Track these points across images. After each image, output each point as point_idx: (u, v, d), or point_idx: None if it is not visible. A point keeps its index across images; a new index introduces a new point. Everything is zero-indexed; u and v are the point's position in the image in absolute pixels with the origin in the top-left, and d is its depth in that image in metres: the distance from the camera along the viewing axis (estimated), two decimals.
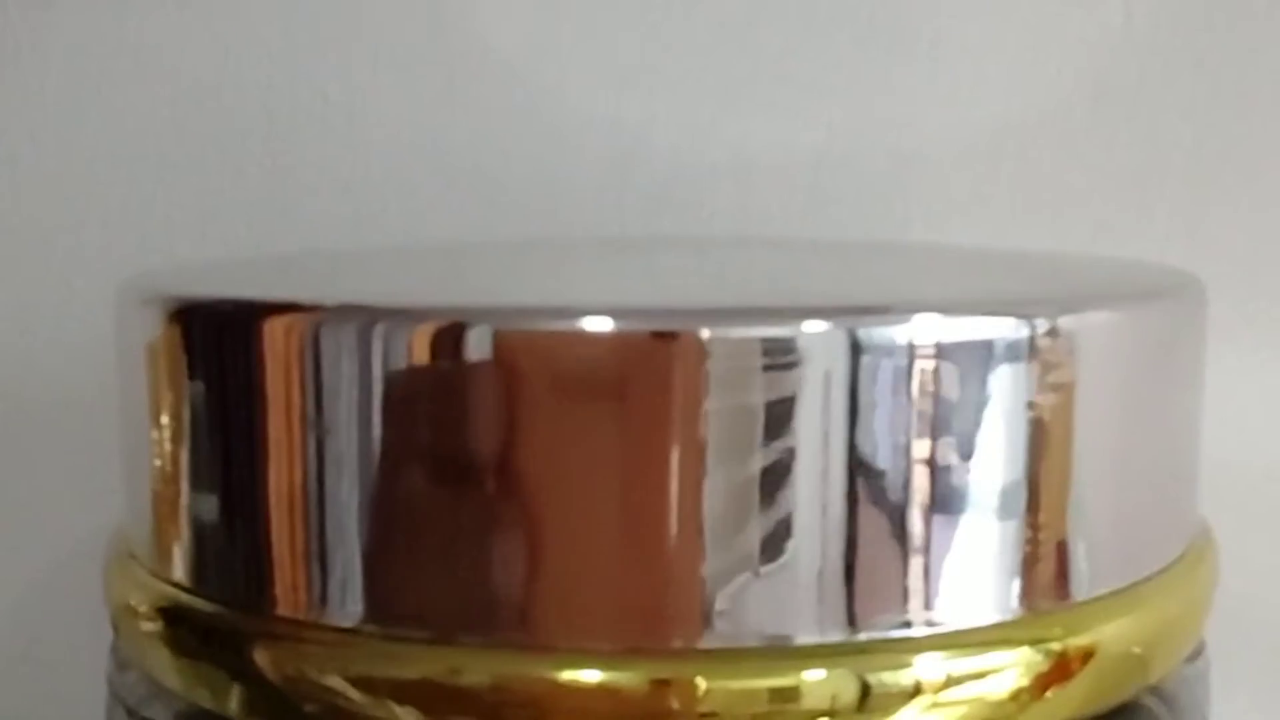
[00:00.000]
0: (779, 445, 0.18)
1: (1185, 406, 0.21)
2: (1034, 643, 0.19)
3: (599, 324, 0.18)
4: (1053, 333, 0.19)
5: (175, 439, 0.20)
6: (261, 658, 0.19)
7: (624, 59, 0.32)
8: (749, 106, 0.31)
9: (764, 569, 0.18)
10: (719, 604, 0.18)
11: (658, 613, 0.18)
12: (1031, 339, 0.19)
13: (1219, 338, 0.23)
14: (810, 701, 0.18)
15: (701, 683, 0.18)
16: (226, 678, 0.20)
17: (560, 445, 0.18)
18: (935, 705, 0.19)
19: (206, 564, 0.20)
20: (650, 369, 0.18)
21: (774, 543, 0.18)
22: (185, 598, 0.20)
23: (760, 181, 0.31)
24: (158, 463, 0.20)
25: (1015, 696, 0.19)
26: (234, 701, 0.19)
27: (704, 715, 0.18)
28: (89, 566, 0.24)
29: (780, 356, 0.18)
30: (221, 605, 0.20)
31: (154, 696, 0.21)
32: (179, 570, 0.20)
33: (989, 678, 0.19)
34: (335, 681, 0.18)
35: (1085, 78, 0.30)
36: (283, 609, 0.19)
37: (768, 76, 0.31)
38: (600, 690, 0.18)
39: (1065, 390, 0.19)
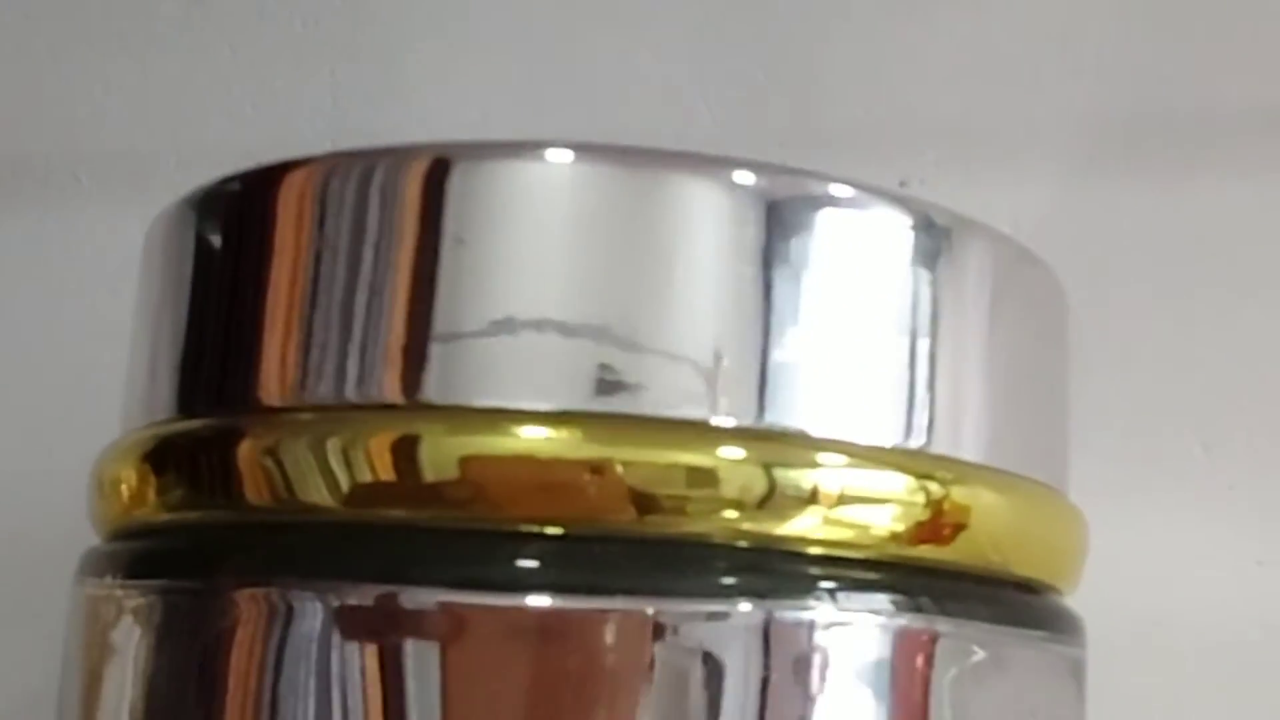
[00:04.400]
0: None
1: (1053, 363, 0.25)
2: (921, 476, 0.22)
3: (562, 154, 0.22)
4: (949, 234, 0.23)
5: (196, 291, 0.23)
6: (247, 448, 0.21)
7: None
8: None
9: (685, 354, 0.21)
10: (641, 379, 0.21)
11: (589, 382, 0.21)
12: (930, 227, 0.23)
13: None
14: (725, 490, 0.21)
15: (626, 453, 0.21)
16: (217, 486, 0.22)
17: (510, 242, 0.21)
18: (827, 521, 0.21)
19: (200, 382, 0.23)
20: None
21: (695, 328, 0.21)
22: (172, 427, 0.23)
23: None
24: (172, 315, 0.24)
25: (894, 537, 0.22)
26: (226, 508, 0.22)
27: (633, 490, 0.20)
28: None
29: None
30: (209, 417, 0.22)
31: (141, 552, 0.23)
32: (171, 403, 0.23)
33: (875, 507, 0.21)
34: (316, 453, 0.21)
35: None
36: (267, 397, 0.22)
37: None
38: (534, 451, 0.21)
39: (954, 285, 0.23)
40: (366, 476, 0.21)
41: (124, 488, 0.23)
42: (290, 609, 0.21)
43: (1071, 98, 0.35)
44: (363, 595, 0.21)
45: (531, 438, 0.21)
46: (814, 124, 0.36)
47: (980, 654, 0.22)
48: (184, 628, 0.22)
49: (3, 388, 0.40)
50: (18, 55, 0.41)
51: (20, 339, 0.40)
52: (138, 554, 0.23)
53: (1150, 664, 0.32)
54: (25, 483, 0.39)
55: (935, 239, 0.23)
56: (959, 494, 0.22)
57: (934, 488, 0.22)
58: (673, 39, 0.37)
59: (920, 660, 0.21)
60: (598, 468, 0.20)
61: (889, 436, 0.22)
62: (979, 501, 0.22)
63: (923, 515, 0.22)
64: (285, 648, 0.21)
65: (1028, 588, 0.23)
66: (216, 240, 0.23)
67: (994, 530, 0.23)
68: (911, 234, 0.22)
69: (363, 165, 0.22)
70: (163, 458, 0.23)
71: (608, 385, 0.21)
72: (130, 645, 0.23)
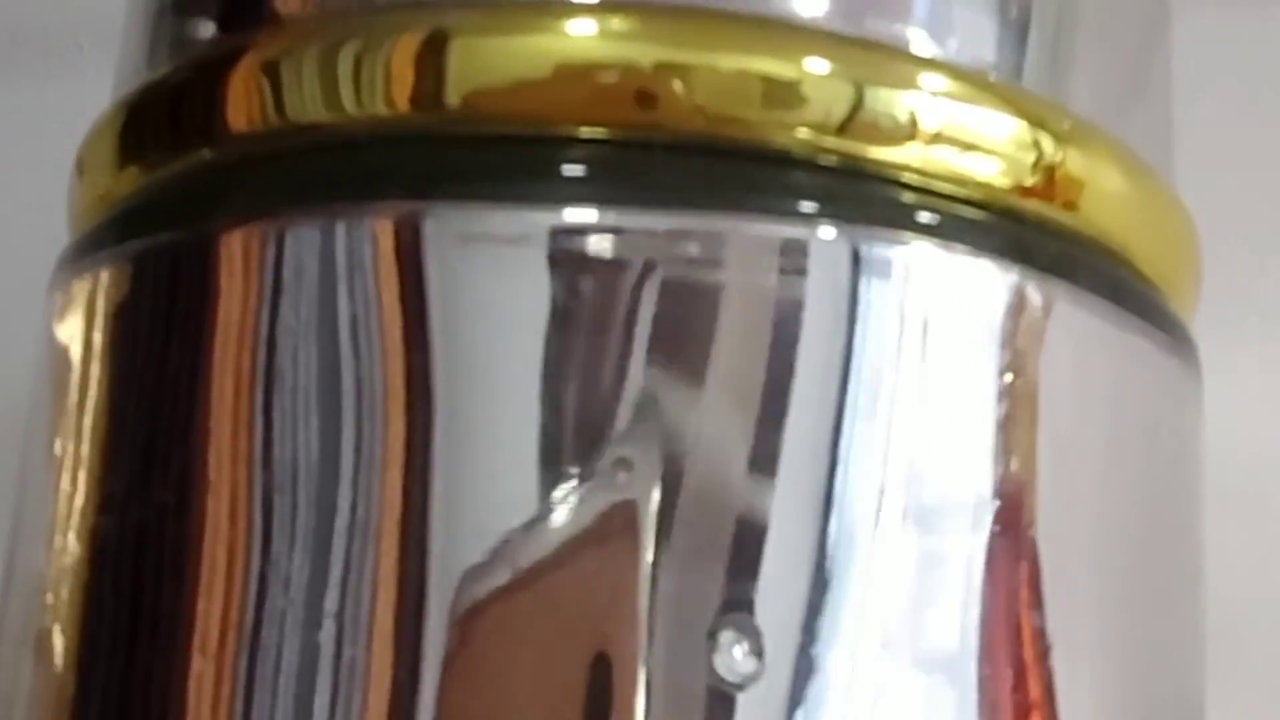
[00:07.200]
0: None
1: (1163, 62, 0.22)
2: (1036, 123, 0.18)
3: None
4: None
5: None
6: (244, 68, 0.18)
7: None
8: None
9: None
10: None
11: None
12: None
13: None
14: (808, 109, 0.17)
15: (690, 57, 0.17)
16: (198, 125, 0.19)
17: None
18: (925, 159, 0.18)
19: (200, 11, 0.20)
20: None
21: None
22: (155, 75, 0.20)
23: None
24: None
25: (1006, 192, 0.18)
26: (211, 146, 0.19)
27: (697, 101, 0.17)
28: None
29: None
30: (199, 49, 0.19)
31: (116, 219, 0.20)
32: (159, 57, 0.20)
33: (977, 155, 0.18)
34: (324, 63, 0.18)
35: None
36: (284, 4, 0.19)
37: None
38: (581, 51, 0.17)
39: None
40: (381, 84, 0.18)
41: (100, 160, 0.20)
42: (282, 244, 0.18)
43: None
44: (377, 218, 0.17)
45: (579, 35, 0.17)
46: None
47: (1103, 335, 0.19)
48: (166, 287, 0.19)
49: (5, 260, 0.37)
50: None
51: (22, 210, 0.37)
52: (111, 224, 0.20)
53: (1249, 515, 0.29)
54: (26, 354, 0.35)
55: None
56: (1075, 154, 0.19)
57: (1047, 143, 0.18)
58: None
59: (1032, 323, 0.18)
60: (655, 72, 0.17)
61: (1005, 67, 0.19)
62: (1097, 174, 0.19)
63: (1028, 181, 0.18)
64: (281, 290, 0.18)
65: (1149, 283, 0.20)
66: None
67: (1112, 204, 0.19)
68: None
69: None
70: (142, 112, 0.20)
71: None
72: (104, 326, 0.19)
